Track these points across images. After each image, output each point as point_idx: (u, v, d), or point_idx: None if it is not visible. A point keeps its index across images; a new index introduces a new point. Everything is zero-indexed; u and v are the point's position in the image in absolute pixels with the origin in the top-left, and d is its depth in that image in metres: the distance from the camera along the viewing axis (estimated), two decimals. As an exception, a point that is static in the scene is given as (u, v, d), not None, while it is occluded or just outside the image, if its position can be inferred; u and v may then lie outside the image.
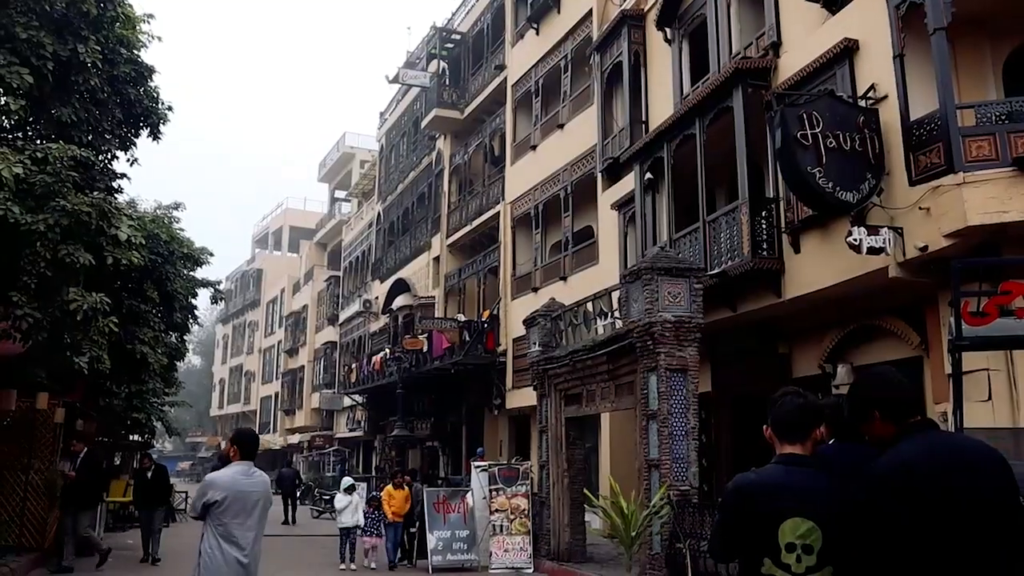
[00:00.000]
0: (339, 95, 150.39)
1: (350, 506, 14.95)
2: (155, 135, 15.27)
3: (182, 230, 21.37)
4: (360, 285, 40.57)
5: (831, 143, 10.45)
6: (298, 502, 27.44)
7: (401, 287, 32.62)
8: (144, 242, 11.16)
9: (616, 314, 12.50)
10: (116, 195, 14.45)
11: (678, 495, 10.85)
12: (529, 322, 15.45)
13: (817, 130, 10.42)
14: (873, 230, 10.35)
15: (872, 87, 11.17)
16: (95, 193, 10.53)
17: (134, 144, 15.28)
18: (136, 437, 30.83)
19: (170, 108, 15.48)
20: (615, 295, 12.95)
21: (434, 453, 31.26)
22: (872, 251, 10.26)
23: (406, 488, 15.37)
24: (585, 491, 11.01)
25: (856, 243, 10.23)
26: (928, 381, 11.28)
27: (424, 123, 30.87)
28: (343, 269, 44.52)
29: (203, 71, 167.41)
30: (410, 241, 33.89)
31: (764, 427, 3.18)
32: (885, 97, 10.98)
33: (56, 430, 14.38)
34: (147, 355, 14.88)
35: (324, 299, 46.87)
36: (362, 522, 14.78)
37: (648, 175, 16.61)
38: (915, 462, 2.74)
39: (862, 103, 11.09)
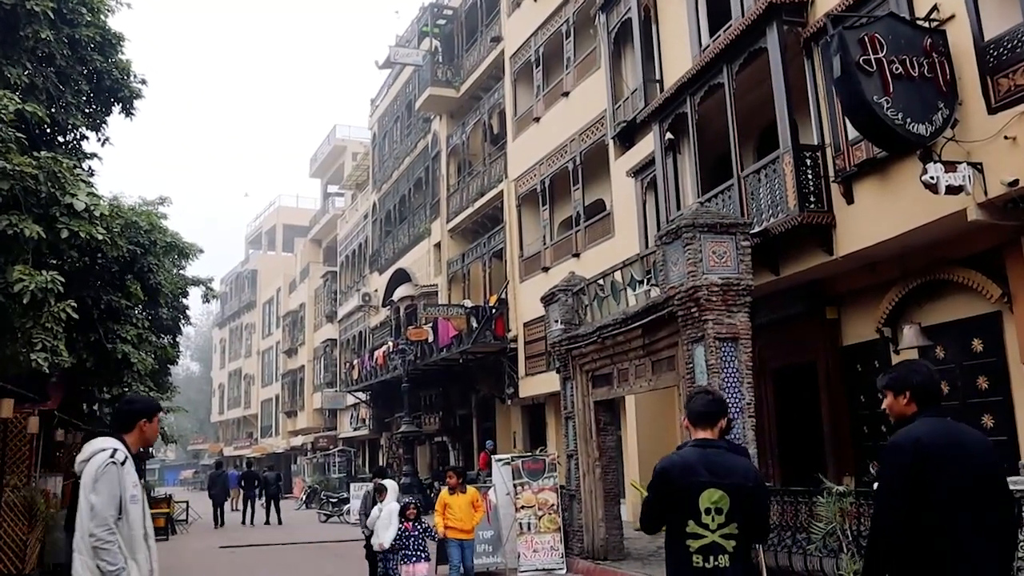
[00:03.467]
0: (328, 90, 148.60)
1: (381, 518, 10.29)
2: (127, 111, 13.90)
3: (164, 218, 20.00)
4: (358, 279, 39.21)
5: (897, 69, 9.06)
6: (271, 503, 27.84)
7: (401, 277, 31.24)
8: (107, 213, 9.70)
9: (651, 281, 11.14)
10: (88, 177, 13.07)
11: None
12: (548, 299, 14.07)
13: (880, 55, 9.04)
14: (950, 167, 8.97)
15: (935, 7, 9.78)
16: (43, 153, 9.08)
17: (105, 123, 13.93)
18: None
19: (144, 82, 14.12)
20: (649, 260, 11.57)
21: (444, 448, 29.97)
22: (951, 190, 8.89)
23: (469, 490, 10.79)
24: (633, 482, 9.66)
25: (933, 182, 8.85)
26: (1012, 337, 9.94)
27: (418, 104, 29.48)
28: (339, 264, 43.16)
29: (186, 71, 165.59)
30: (408, 229, 32.50)
31: (682, 419, 4.21)
32: (951, 17, 9.60)
33: (32, 442, 12.98)
34: (129, 355, 13.50)
35: (321, 296, 45.55)
36: (387, 542, 10.01)
37: (668, 135, 15.25)
38: (925, 438, 3.44)
39: (925, 25, 9.72)
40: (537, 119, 22.29)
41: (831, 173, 11.40)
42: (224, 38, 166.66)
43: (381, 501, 10.38)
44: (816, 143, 11.76)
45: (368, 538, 10.76)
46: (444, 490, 10.67)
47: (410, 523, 10.03)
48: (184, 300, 26.82)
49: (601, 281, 12.72)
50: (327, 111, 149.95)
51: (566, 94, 20.84)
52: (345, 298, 41.12)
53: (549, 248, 21.38)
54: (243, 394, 62.99)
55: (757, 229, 11.77)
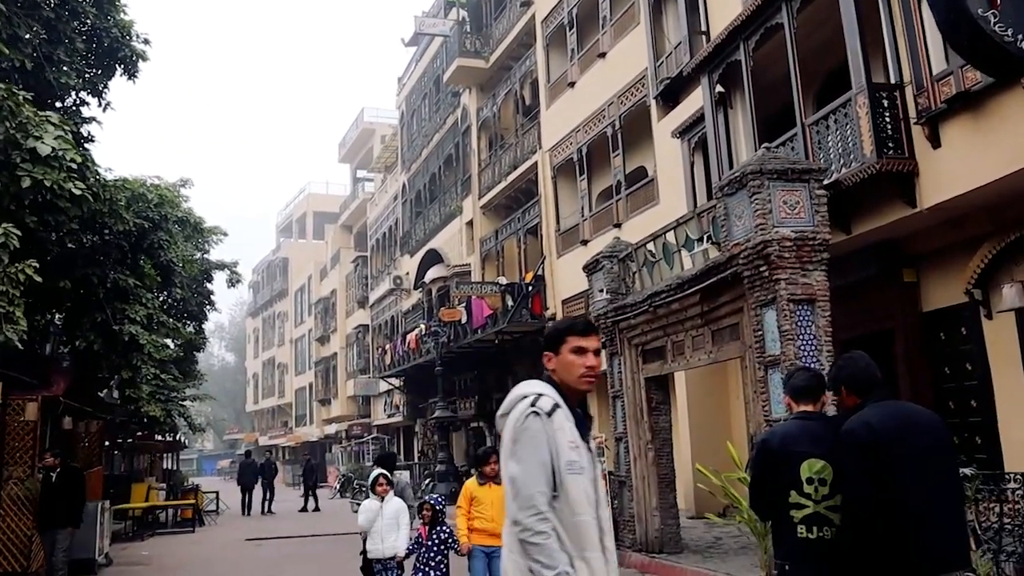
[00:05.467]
0: (356, 74, 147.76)
1: (384, 517, 7.83)
2: (130, 73, 12.85)
3: (184, 199, 19.02)
4: (389, 262, 38.19)
5: (1002, -22, 7.71)
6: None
7: (433, 258, 30.12)
8: (79, 160, 8.56)
9: (710, 239, 9.86)
10: (86, 143, 12.06)
11: (817, 464, 8.22)
12: (591, 267, 12.82)
13: (984, -40, 7.69)
14: (1068, 91, 7.62)
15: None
16: None
17: (106, 87, 12.90)
18: (166, 437, 28.77)
19: (147, 42, 13.07)
20: (706, 219, 10.28)
21: (480, 435, 28.83)
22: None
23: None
24: (699, 466, 8.44)
25: (1048, 109, 7.50)
26: None
27: (446, 77, 28.25)
28: (370, 248, 42.20)
29: (216, 65, 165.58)
30: (439, 208, 31.34)
31: (782, 397, 4.76)
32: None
33: (36, 430, 12.02)
34: (138, 336, 12.51)
35: (352, 282, 44.65)
36: (402, 549, 7.78)
37: (719, 88, 13.93)
38: (875, 421, 3.68)
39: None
40: (572, 84, 21.00)
41: (912, 114, 10.04)
42: (255, 30, 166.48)
43: (381, 495, 7.89)
44: (894, 81, 10.39)
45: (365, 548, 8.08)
46: (471, 479, 7.66)
47: (425, 527, 7.52)
48: (208, 285, 26.02)
49: (651, 244, 11.45)
50: (356, 95, 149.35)
51: (602, 55, 19.53)
52: (376, 283, 40.17)
53: (588, 220, 20.11)
54: (277, 383, 62.51)
55: (826, 182, 10.43)
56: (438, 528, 7.50)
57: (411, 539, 7.79)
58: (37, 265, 8.27)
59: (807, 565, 3.81)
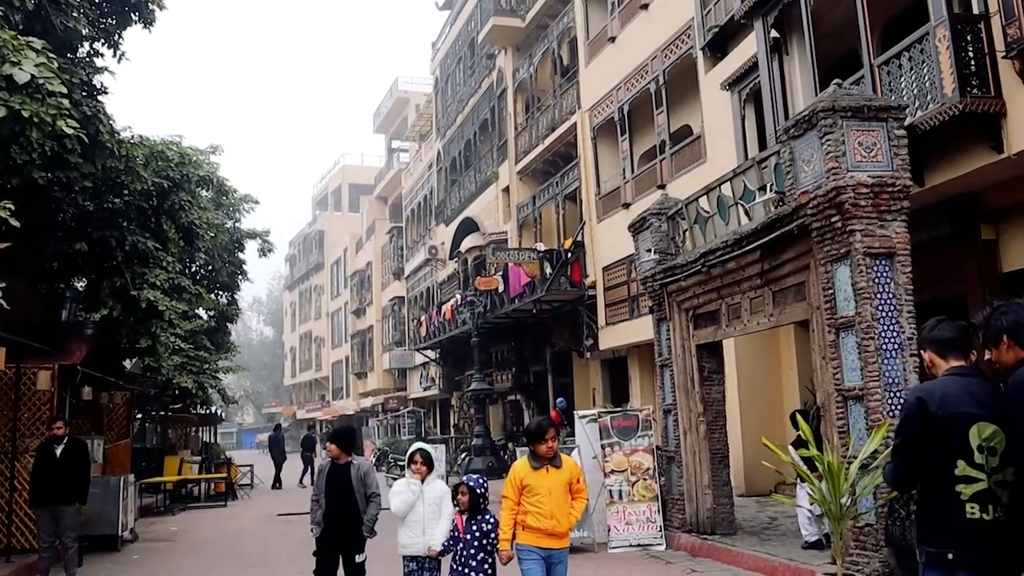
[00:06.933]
0: (391, 45, 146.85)
1: (426, 502, 6.17)
2: (146, 22, 12.11)
3: (215, 165, 18.35)
4: (424, 232, 37.48)
5: None
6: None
7: (469, 227, 29.29)
8: (65, 91, 7.78)
9: (773, 189, 8.88)
10: (99, 96, 11.35)
11: (898, 437, 7.30)
12: (638, 226, 11.88)
13: None
14: None
15: None
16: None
17: (121, 36, 12.18)
18: (199, 409, 28.41)
19: (163, -12, 12.30)
20: (768, 165, 9.28)
21: (517, 407, 28.15)
22: None
23: (565, 463, 5.72)
24: (765, 440, 7.54)
25: None
26: None
27: (481, 36, 27.27)
28: (405, 219, 41.51)
29: (253, 43, 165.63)
30: (475, 175, 30.47)
31: (925, 355, 3.56)
32: None
33: (52, 400, 11.43)
34: (156, 302, 11.85)
35: (388, 253, 44.07)
36: (439, 543, 6.01)
37: (774, 33, 12.88)
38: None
39: None
40: (612, 39, 19.94)
41: (1000, 47, 8.96)
42: (288, 10, 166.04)
43: (416, 473, 6.20)
44: (978, 11, 9.31)
45: (325, 538, 6.86)
46: (521, 461, 5.75)
47: (462, 516, 5.89)
48: (240, 255, 25.47)
49: (704, 198, 10.48)
50: (390, 65, 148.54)
51: (644, 6, 18.43)
52: (411, 254, 39.51)
53: (630, 182, 19.12)
54: (314, 357, 62.43)
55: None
56: (478, 518, 5.79)
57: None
58: (12, 208, 7.51)
59: (978, 552, 3.13)
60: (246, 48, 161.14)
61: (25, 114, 7.14)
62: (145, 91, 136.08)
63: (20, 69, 6.88)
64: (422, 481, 6.19)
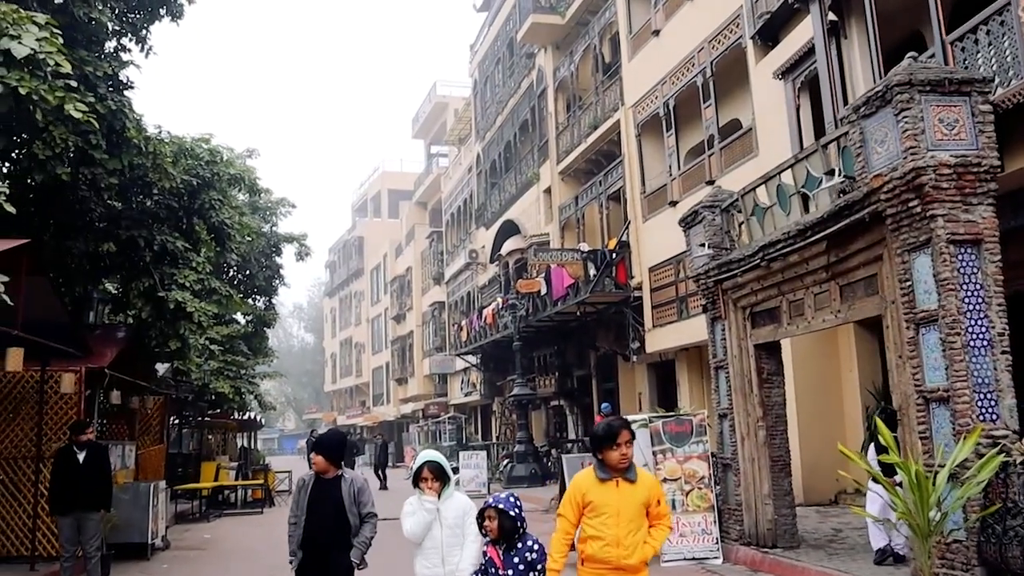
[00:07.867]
0: (427, 50, 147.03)
1: (444, 523, 4.87)
2: (174, 15, 11.74)
3: (251, 170, 17.96)
4: (464, 236, 37.01)
5: None
6: None
7: (509, 230, 28.75)
8: (68, 70, 7.29)
9: (842, 174, 8.17)
10: (125, 90, 10.96)
11: (990, 444, 6.53)
12: (689, 220, 11.21)
13: None
14: None
15: None
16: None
17: (148, 31, 11.82)
18: (237, 415, 28.18)
19: (191, -20, 11.91)
20: (833, 149, 8.56)
21: (561, 413, 27.51)
22: None
23: (642, 477, 4.62)
24: (841, 446, 6.84)
25: None
26: None
27: (520, 35, 26.74)
28: (444, 223, 41.11)
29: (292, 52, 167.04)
30: (515, 177, 29.92)
31: None
32: None
33: (79, 404, 11.05)
34: (184, 304, 11.42)
35: (427, 258, 43.71)
36: (467, 573, 4.70)
37: (831, 16, 12.16)
38: None
39: None
40: (656, 32, 19.27)
41: (1092, 16, 8.19)
42: (328, 8, 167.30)
43: (427, 491, 4.88)
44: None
45: (306, 572, 5.59)
46: (586, 472, 4.58)
47: (496, 549, 4.58)
48: (278, 259, 25.17)
49: (762, 187, 9.77)
50: (428, 70, 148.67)
51: (691, -4, 17.76)
52: (452, 258, 39.08)
53: (676, 179, 18.42)
54: (354, 363, 62.28)
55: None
56: (519, 546, 4.53)
57: (480, 562, 4.70)
58: (7, 192, 7.06)
59: None
60: (284, 56, 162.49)
61: (23, 91, 6.66)
62: (182, 100, 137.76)
63: (19, 43, 6.40)
64: (438, 497, 4.89)
